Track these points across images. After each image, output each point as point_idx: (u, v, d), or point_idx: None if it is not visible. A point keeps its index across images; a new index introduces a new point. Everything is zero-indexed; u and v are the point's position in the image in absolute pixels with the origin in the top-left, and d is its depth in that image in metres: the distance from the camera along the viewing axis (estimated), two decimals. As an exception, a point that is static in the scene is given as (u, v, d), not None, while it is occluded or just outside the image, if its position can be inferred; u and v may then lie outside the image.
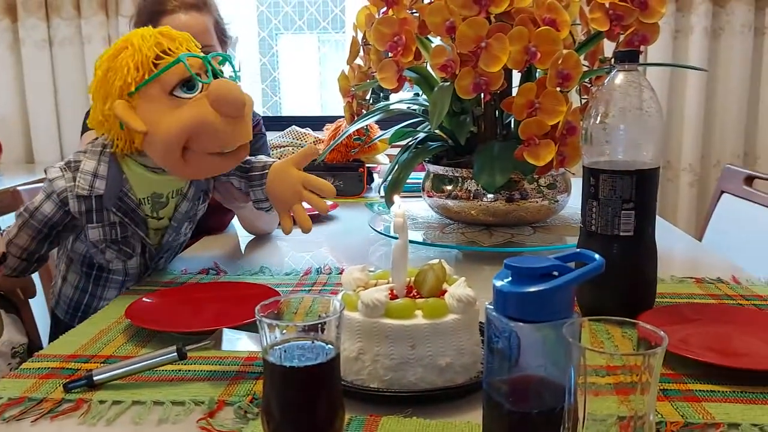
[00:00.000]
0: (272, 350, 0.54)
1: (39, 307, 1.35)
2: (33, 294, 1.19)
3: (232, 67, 1.04)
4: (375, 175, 2.07)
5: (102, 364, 0.76)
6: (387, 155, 2.02)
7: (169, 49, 0.96)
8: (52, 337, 1.18)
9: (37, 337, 1.19)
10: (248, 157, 1.09)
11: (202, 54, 0.99)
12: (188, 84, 0.95)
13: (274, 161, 1.10)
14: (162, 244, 1.11)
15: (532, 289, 0.52)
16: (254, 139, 1.52)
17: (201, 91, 0.95)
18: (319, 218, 1.62)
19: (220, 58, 1.01)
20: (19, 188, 1.46)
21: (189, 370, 0.74)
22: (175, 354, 0.71)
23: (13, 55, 2.34)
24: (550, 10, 1.06)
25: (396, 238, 0.71)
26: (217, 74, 0.98)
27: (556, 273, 0.55)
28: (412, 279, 0.73)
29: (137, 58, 0.94)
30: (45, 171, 1.03)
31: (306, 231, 1.03)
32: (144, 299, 0.94)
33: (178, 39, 0.98)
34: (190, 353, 0.72)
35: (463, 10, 1.03)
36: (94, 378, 0.69)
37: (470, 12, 1.03)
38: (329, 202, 1.72)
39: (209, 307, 0.93)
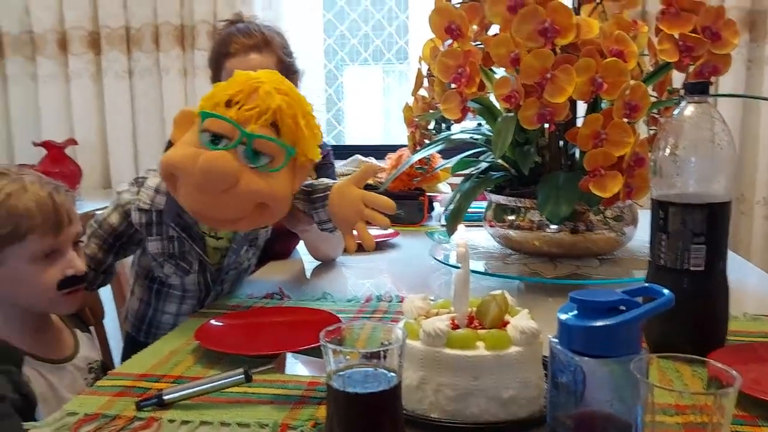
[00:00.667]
0: (336, 376, 0.55)
1: (111, 328, 1.41)
2: (101, 315, 1.24)
3: (286, 159, 0.96)
4: (436, 204, 2.07)
5: (172, 384, 0.79)
6: (448, 184, 2.03)
7: (237, 102, 0.94)
8: (125, 352, 1.23)
9: (109, 357, 1.24)
10: (311, 180, 1.11)
11: (252, 132, 0.93)
12: (213, 139, 0.94)
13: (335, 182, 1.12)
14: (222, 266, 1.14)
15: (599, 323, 0.52)
16: (323, 168, 1.57)
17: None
18: (379, 246, 1.63)
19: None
20: (97, 212, 1.53)
21: (254, 393, 0.76)
22: (242, 376, 0.73)
23: (95, 86, 2.48)
24: (617, 41, 1.06)
25: (457, 267, 0.71)
26: (249, 157, 0.93)
27: (623, 307, 0.54)
28: (474, 309, 0.73)
29: (221, 96, 0.95)
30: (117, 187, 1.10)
31: (369, 249, 1.04)
32: (212, 322, 0.97)
33: (243, 94, 0.94)
34: (255, 376, 0.74)
35: (528, 42, 1.03)
36: (165, 397, 0.72)
37: (536, 44, 1.03)
38: (390, 230, 1.73)
39: (273, 331, 0.96)
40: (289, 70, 1.52)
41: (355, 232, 1.05)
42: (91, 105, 2.49)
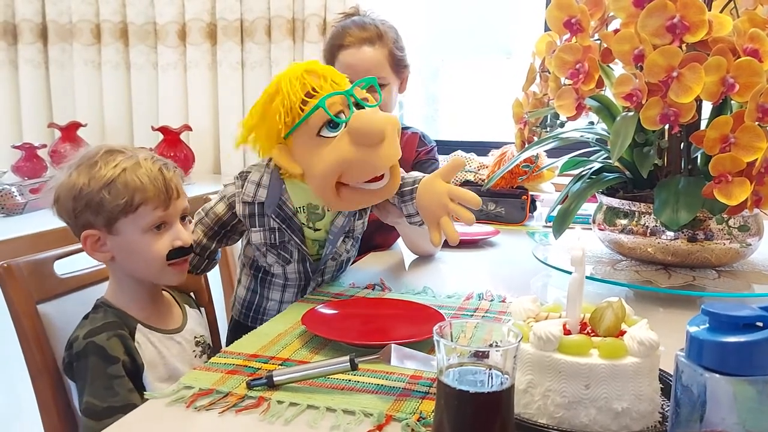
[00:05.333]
0: (447, 372, 0.55)
1: (219, 316, 1.47)
2: (208, 299, 1.30)
3: (377, 89, 1.09)
4: (538, 204, 2.03)
5: (280, 366, 0.81)
6: (552, 184, 1.97)
7: (313, 89, 1.02)
8: (230, 335, 1.29)
9: (218, 338, 1.30)
10: (402, 173, 1.13)
11: (344, 89, 1.04)
12: (331, 123, 1.02)
13: (424, 176, 1.13)
14: (321, 256, 1.17)
15: (733, 339, 0.48)
16: (426, 164, 1.57)
17: (345, 127, 1.01)
18: (479, 244, 1.61)
19: (363, 84, 1.07)
20: (210, 196, 1.61)
21: (358, 381, 0.77)
22: (348, 364, 0.74)
23: (211, 75, 2.59)
24: (752, 39, 0.99)
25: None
26: (360, 104, 1.04)
27: (760, 324, 0.50)
28: (587, 315, 0.70)
29: (286, 105, 1.02)
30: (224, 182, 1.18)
31: (453, 242, 1.04)
32: (317, 308, 0.99)
33: (323, 75, 1.05)
34: (361, 365, 0.75)
35: (654, 39, 0.98)
36: (274, 379, 0.74)
37: (662, 41, 0.98)
38: (490, 228, 1.71)
39: (376, 322, 0.97)
40: (399, 64, 1.54)
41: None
42: (206, 94, 2.60)
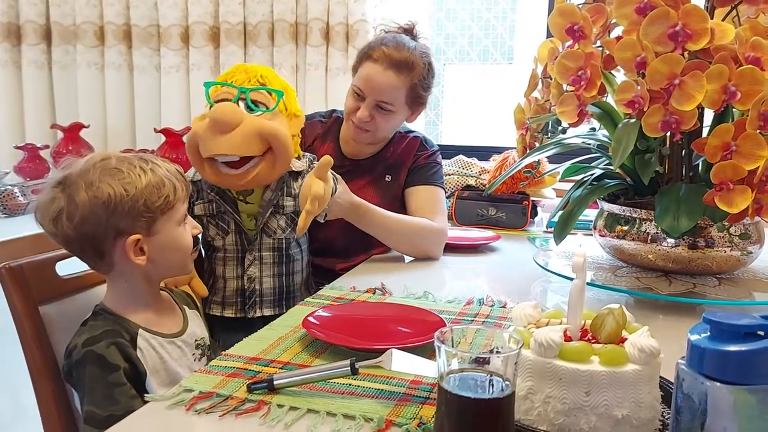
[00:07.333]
0: (448, 378, 0.55)
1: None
2: (203, 292, 1.30)
3: (278, 100, 1.22)
4: (539, 209, 2.03)
5: (280, 369, 0.81)
6: (554, 189, 1.98)
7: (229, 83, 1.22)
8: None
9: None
10: None
11: (247, 87, 1.20)
12: (211, 107, 1.19)
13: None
14: (257, 229, 1.27)
15: (735, 347, 0.49)
16: (426, 168, 1.57)
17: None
18: (480, 249, 1.62)
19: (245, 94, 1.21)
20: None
21: (359, 386, 0.77)
22: (349, 368, 0.74)
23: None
24: (754, 47, 0.99)
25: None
26: (249, 106, 1.19)
27: (761, 333, 0.50)
28: (587, 322, 0.70)
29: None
30: None
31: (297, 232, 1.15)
32: (318, 312, 0.99)
33: (251, 72, 1.23)
34: (361, 369, 0.75)
35: (656, 46, 0.98)
36: (275, 382, 0.74)
37: (665, 48, 0.98)
38: (491, 233, 1.71)
39: (376, 326, 0.97)
40: (416, 100, 1.51)
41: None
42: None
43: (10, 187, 1.98)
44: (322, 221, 1.29)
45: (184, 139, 1.26)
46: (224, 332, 1.27)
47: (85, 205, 0.92)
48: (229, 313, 1.29)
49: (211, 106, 1.20)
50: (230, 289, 1.28)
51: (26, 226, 1.75)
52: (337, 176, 1.30)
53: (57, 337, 1.03)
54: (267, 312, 1.28)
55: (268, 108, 1.20)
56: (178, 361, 1.01)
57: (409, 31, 1.54)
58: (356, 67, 1.51)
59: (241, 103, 1.19)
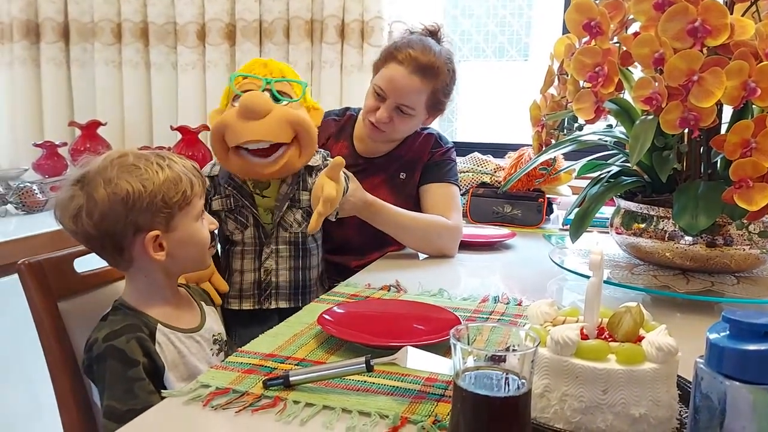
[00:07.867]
0: (463, 375, 0.55)
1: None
2: (224, 287, 1.31)
3: (303, 90, 1.24)
4: (555, 207, 2.02)
5: (296, 366, 0.82)
6: (570, 187, 1.96)
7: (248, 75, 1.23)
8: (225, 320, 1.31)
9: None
10: None
11: (271, 78, 1.22)
12: (236, 97, 1.20)
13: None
14: (273, 223, 1.28)
15: (754, 347, 0.48)
16: (441, 165, 1.57)
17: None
18: (495, 246, 1.61)
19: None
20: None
21: (374, 383, 0.77)
22: (364, 365, 0.74)
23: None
24: (775, 42, 0.97)
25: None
26: (275, 96, 1.20)
27: (781, 332, 0.50)
28: (604, 320, 0.70)
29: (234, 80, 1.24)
30: None
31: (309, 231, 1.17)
32: (333, 309, 0.99)
33: (269, 66, 1.24)
34: (376, 366, 0.75)
35: (675, 42, 0.97)
36: (291, 379, 0.75)
37: (683, 44, 0.97)
38: (507, 231, 1.70)
39: (391, 323, 0.97)
40: (435, 106, 1.52)
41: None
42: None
43: (28, 184, 2.00)
44: (334, 219, 1.29)
45: (200, 137, 1.28)
46: (241, 327, 1.28)
47: (105, 202, 0.93)
48: (246, 306, 1.29)
49: (235, 98, 1.21)
50: (247, 282, 1.29)
51: (45, 223, 1.78)
52: (349, 174, 1.30)
53: (75, 333, 1.05)
54: (282, 304, 1.29)
55: (292, 99, 1.22)
56: (197, 356, 1.01)
57: (434, 34, 1.53)
58: (379, 66, 1.50)
59: (266, 94, 1.20)
